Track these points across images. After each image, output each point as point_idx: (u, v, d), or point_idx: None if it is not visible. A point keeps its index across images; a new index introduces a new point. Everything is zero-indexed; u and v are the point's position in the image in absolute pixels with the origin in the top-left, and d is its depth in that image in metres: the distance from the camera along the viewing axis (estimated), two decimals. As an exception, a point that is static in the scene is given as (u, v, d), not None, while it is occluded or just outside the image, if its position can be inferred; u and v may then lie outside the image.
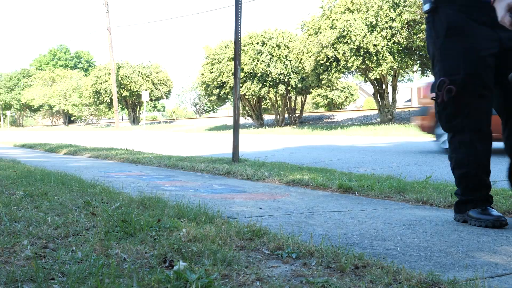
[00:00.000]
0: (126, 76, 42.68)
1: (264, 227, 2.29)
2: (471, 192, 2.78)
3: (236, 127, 6.77)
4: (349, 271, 1.71)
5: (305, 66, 22.66)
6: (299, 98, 29.75)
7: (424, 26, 19.10)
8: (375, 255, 1.99)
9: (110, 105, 44.46)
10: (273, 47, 25.75)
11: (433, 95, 2.78)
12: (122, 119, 58.96)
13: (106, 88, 43.38)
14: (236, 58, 6.52)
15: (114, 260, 1.68)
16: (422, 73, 22.86)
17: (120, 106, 47.20)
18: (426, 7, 2.84)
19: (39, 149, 11.32)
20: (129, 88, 42.67)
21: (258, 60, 25.27)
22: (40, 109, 62.03)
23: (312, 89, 27.78)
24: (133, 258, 1.73)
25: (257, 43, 26.06)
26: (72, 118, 60.55)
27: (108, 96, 43.30)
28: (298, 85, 25.54)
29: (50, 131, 37.52)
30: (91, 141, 14.56)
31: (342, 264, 1.75)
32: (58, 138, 16.90)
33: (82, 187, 3.60)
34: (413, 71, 24.30)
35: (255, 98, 27.59)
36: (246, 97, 26.63)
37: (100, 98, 44.32)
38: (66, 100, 54.91)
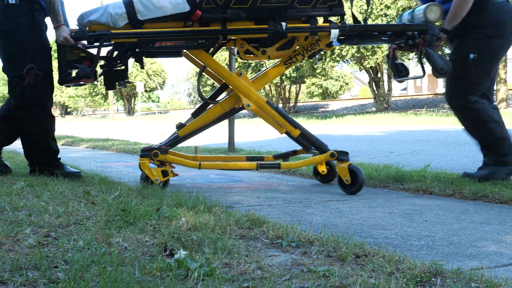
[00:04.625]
0: (121, 66, 42.44)
1: (263, 216, 2.30)
2: None
3: (231, 117, 6.75)
4: (350, 260, 1.71)
5: (300, 55, 22.55)
6: (293, 88, 29.73)
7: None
8: (375, 244, 2.00)
9: (105, 96, 44.41)
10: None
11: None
12: (118, 110, 58.80)
13: (101, 79, 43.19)
14: (230, 48, 6.48)
15: (115, 248, 1.68)
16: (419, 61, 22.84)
17: (115, 97, 47.10)
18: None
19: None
20: (124, 78, 42.44)
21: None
22: (35, 100, 61.66)
23: (307, 78, 27.74)
24: (134, 247, 1.74)
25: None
26: (68, 110, 60.38)
27: (104, 88, 43.13)
28: (293, 75, 25.50)
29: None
30: (88, 132, 14.54)
31: (342, 253, 1.75)
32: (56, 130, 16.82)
33: (82, 177, 3.60)
34: (408, 59, 24.28)
35: (251, 88, 27.57)
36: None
37: (95, 90, 44.20)
38: (62, 92, 54.69)
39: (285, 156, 4.11)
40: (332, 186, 3.81)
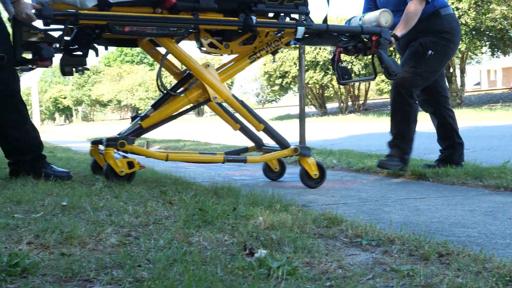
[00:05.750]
0: (190, 68, 43.28)
1: (340, 215, 2.26)
2: None
3: (302, 115, 6.73)
4: (434, 259, 1.66)
5: (368, 52, 22.26)
6: (362, 85, 29.33)
7: (493, 5, 18.47)
8: (458, 242, 1.93)
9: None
10: (335, 34, 25.45)
11: None
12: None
13: (171, 81, 44.13)
14: (301, 46, 6.47)
15: (195, 247, 1.70)
16: (492, 55, 22.05)
17: (185, 98, 47.87)
18: None
19: (110, 142, 11.63)
20: (193, 80, 43.26)
21: (320, 48, 25.06)
22: (109, 104, 63.79)
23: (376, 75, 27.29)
24: (214, 246, 1.75)
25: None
26: (139, 112, 61.92)
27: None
28: (362, 72, 25.17)
29: (119, 124, 38.52)
30: (158, 133, 14.85)
31: (425, 252, 1.70)
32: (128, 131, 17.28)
33: (156, 178, 3.67)
34: (482, 53, 23.51)
35: (318, 87, 27.39)
36: (309, 85, 26.48)
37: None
38: (133, 94, 56.22)
39: (236, 153, 4.04)
40: (408, 184, 3.73)
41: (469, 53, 21.66)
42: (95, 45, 3.46)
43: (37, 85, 34.34)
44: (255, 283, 1.36)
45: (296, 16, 3.59)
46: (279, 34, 3.61)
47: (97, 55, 3.52)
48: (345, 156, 5.36)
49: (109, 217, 2.15)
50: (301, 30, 3.50)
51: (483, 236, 2.12)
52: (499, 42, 20.32)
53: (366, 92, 28.90)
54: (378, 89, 42.28)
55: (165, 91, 3.64)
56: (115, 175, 3.17)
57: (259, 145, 3.90)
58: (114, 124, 42.02)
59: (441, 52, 3.96)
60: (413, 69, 3.93)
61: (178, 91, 3.73)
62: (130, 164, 3.23)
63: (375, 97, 41.75)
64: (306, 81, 25.60)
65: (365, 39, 3.75)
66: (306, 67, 25.49)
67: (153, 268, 1.47)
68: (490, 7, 18.34)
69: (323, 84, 26.40)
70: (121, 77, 60.79)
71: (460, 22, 19.21)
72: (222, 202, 2.51)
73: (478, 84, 50.65)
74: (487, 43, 20.92)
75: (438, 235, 2.08)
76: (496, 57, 22.39)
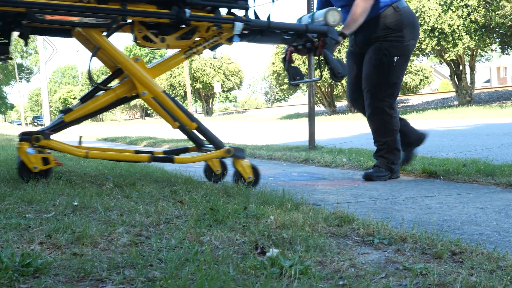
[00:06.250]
0: (198, 68, 43.42)
1: (351, 213, 2.25)
2: None
3: (311, 114, 6.73)
4: (447, 258, 1.65)
5: (377, 50, 22.21)
6: (372, 84, 29.22)
7: (503, 2, 18.37)
8: (471, 241, 1.92)
9: (184, 97, 45.38)
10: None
11: None
12: (196, 111, 59.96)
13: (180, 81, 44.33)
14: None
15: (207, 247, 1.70)
16: (502, 52, 21.93)
17: (194, 98, 48.06)
18: None
19: (120, 142, 11.67)
20: (201, 80, 43.40)
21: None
22: (118, 103, 63.96)
23: (322, 76, 27.24)
24: (225, 245, 1.74)
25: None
26: (148, 112, 62.18)
27: (182, 89, 44.23)
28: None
29: (128, 124, 38.65)
30: (168, 133, 14.88)
31: (438, 250, 1.69)
32: (137, 131, 17.36)
33: (166, 177, 3.67)
34: (492, 50, 23.38)
35: (327, 85, 27.35)
36: (318, 84, 26.44)
37: (174, 91, 45.33)
38: (142, 94, 56.36)
39: (177, 153, 3.85)
40: (419, 182, 3.71)
41: (479, 50, 21.54)
42: (28, 33, 3.17)
43: (46, 86, 34.46)
44: (267, 282, 1.36)
45: (242, 12, 3.41)
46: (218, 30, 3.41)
47: (26, 44, 3.25)
48: (355, 155, 5.35)
49: (120, 216, 2.15)
50: (239, 25, 3.33)
51: (496, 234, 2.10)
52: (509, 39, 20.22)
53: (375, 90, 28.81)
54: (387, 87, 42.18)
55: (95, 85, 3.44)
56: (27, 171, 3.01)
57: (199, 145, 3.70)
58: (123, 124, 42.17)
59: (405, 53, 3.86)
60: (386, 80, 3.85)
61: (111, 85, 3.51)
62: (45, 160, 3.05)
63: (384, 95, 41.60)
64: (315, 80, 25.59)
65: (315, 39, 3.59)
66: (314, 66, 25.45)
67: (165, 267, 1.47)
68: (500, 4, 18.24)
69: (332, 83, 26.35)
70: (130, 77, 60.89)
71: (469, 19, 19.16)
72: (233, 202, 2.50)
73: (488, 81, 50.41)
74: (497, 40, 20.82)
75: (451, 233, 2.07)
76: (506, 54, 22.29)
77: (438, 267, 1.54)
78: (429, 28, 19.73)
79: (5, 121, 77.85)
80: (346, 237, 1.94)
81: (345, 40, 3.91)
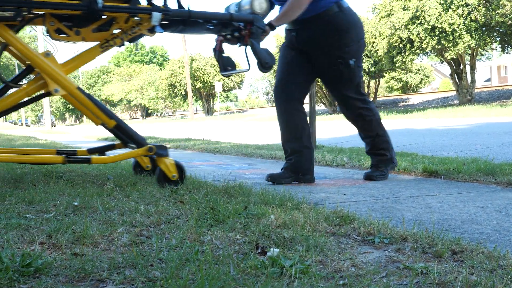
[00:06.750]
0: (199, 68, 43.45)
1: (352, 213, 2.26)
2: None
3: (312, 113, 6.72)
4: (447, 257, 1.65)
5: (377, 49, 22.24)
6: (372, 82, 29.26)
7: (503, 1, 18.36)
8: (472, 240, 1.92)
9: (184, 97, 45.46)
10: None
11: None
12: (197, 111, 60.02)
13: (180, 81, 44.34)
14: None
15: (207, 246, 1.70)
16: (502, 51, 21.92)
17: (195, 97, 48.07)
18: None
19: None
20: (202, 80, 43.43)
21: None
22: (119, 103, 64.11)
23: (386, 73, 27.24)
24: (226, 245, 1.74)
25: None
26: (149, 111, 62.30)
27: (183, 89, 44.25)
28: (371, 69, 25.10)
29: (129, 124, 38.68)
30: (169, 133, 14.89)
31: (438, 250, 1.69)
32: (138, 131, 17.34)
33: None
34: (492, 49, 23.38)
35: (328, 85, 27.33)
36: (318, 83, 26.42)
37: (175, 91, 45.40)
38: (143, 94, 56.48)
39: (102, 150, 3.73)
40: (419, 181, 3.71)
41: (479, 49, 21.54)
42: None
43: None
44: (268, 282, 1.36)
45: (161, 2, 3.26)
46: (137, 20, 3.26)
47: None
48: (356, 154, 5.35)
49: (121, 216, 2.16)
50: (156, 15, 3.15)
51: (497, 233, 2.10)
52: (510, 38, 20.22)
53: (376, 89, 28.83)
54: (388, 86, 42.17)
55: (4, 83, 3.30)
56: None
57: (124, 142, 3.58)
58: (124, 124, 42.15)
59: (358, 54, 3.75)
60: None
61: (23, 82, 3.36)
62: None
63: (385, 94, 41.65)
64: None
65: (243, 28, 3.44)
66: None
67: (166, 267, 1.47)
68: (500, 2, 18.24)
69: (333, 82, 26.34)
70: (131, 77, 61.03)
71: (470, 18, 19.16)
72: (233, 201, 2.50)
73: (489, 80, 50.39)
74: (497, 39, 20.82)
75: (451, 233, 2.07)
76: (507, 53, 22.29)
77: (439, 266, 1.54)
78: (430, 27, 19.72)
79: (5, 121, 77.84)
80: (347, 237, 1.94)
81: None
